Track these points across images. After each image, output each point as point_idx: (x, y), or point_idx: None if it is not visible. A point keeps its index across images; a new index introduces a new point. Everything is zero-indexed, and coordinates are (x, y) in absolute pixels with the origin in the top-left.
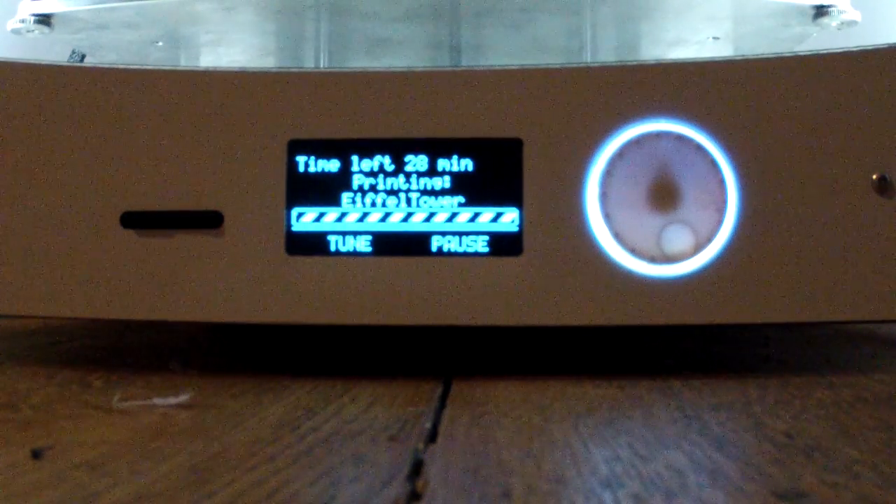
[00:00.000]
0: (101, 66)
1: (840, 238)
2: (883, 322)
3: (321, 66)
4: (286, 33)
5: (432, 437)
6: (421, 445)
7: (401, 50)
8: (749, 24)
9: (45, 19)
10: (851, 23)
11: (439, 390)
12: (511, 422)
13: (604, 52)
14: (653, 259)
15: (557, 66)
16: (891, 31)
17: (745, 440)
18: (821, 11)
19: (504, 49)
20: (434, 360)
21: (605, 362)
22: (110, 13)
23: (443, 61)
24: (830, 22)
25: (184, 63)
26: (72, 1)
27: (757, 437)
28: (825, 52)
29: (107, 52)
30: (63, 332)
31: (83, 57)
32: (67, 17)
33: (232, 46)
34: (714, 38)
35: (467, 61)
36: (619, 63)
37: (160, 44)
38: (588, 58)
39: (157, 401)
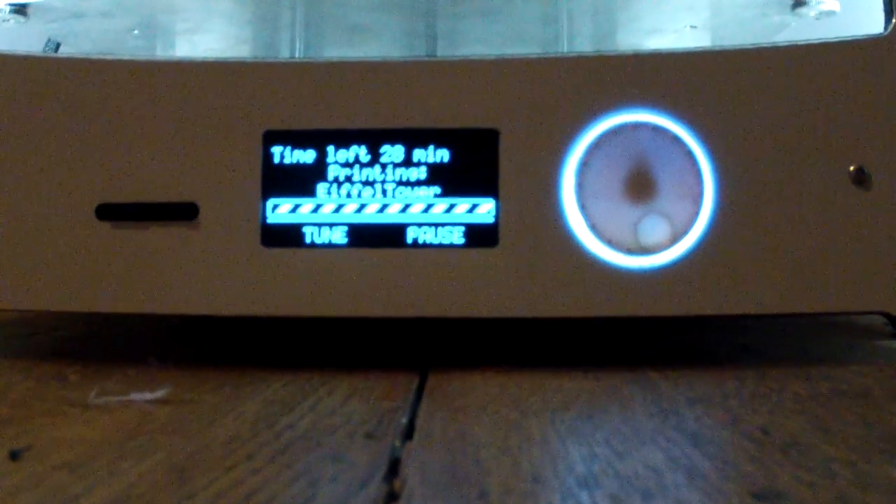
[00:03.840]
0: (74, 56)
1: (817, 229)
2: (860, 314)
3: (297, 54)
4: (262, 22)
5: (409, 434)
6: (398, 443)
7: (377, 38)
8: (727, 14)
9: (20, 9)
10: (830, 13)
11: (416, 382)
12: (488, 417)
13: (580, 40)
14: (629, 250)
15: (534, 56)
16: (869, 20)
17: (722, 436)
18: (799, 1)
19: (480, 37)
20: (411, 351)
21: (581, 353)
22: (86, 2)
23: (419, 50)
24: (809, 12)
25: (160, 51)
26: None
27: (733, 434)
28: (803, 43)
29: (82, 41)
30: (39, 324)
31: (58, 45)
32: (43, 7)
33: (208, 34)
34: (692, 26)
35: (443, 50)
36: (595, 53)
37: (136, 32)
38: (564, 47)
39: (135, 396)
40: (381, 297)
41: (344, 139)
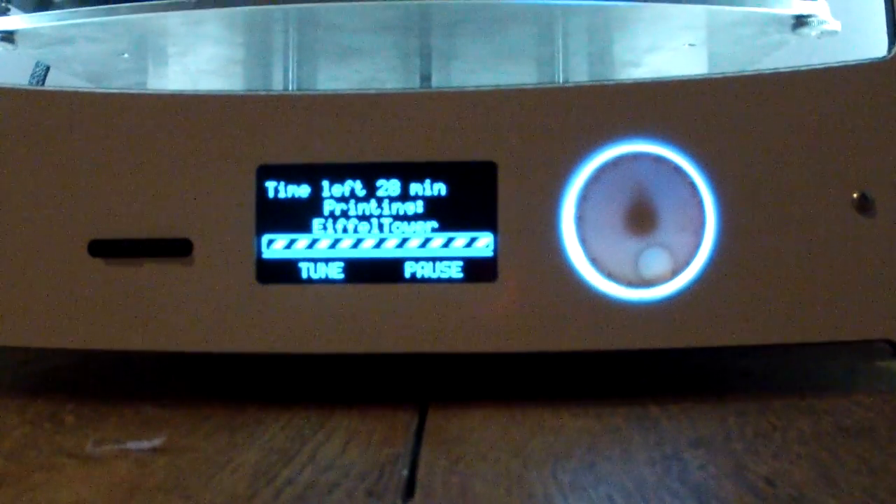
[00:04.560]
0: (66, 89)
1: (820, 257)
2: (864, 342)
3: (290, 75)
4: (254, 44)
5: (410, 490)
6: (399, 502)
7: (370, 58)
8: (725, 33)
9: (7, 36)
10: (832, 33)
11: (415, 422)
12: (489, 467)
13: (577, 59)
14: (630, 283)
15: (531, 86)
16: (870, 39)
17: (726, 489)
18: (800, 21)
19: (475, 56)
20: (409, 384)
21: (580, 381)
22: (74, 29)
23: (412, 69)
24: (810, 32)
25: (151, 73)
26: (34, 18)
27: (738, 485)
28: (805, 68)
29: (73, 64)
30: (31, 351)
31: (47, 69)
32: (30, 33)
33: (199, 56)
34: (690, 45)
35: (437, 70)
36: (594, 83)
37: (126, 56)
38: (560, 65)
39: (132, 445)
40: (379, 333)
41: (339, 173)
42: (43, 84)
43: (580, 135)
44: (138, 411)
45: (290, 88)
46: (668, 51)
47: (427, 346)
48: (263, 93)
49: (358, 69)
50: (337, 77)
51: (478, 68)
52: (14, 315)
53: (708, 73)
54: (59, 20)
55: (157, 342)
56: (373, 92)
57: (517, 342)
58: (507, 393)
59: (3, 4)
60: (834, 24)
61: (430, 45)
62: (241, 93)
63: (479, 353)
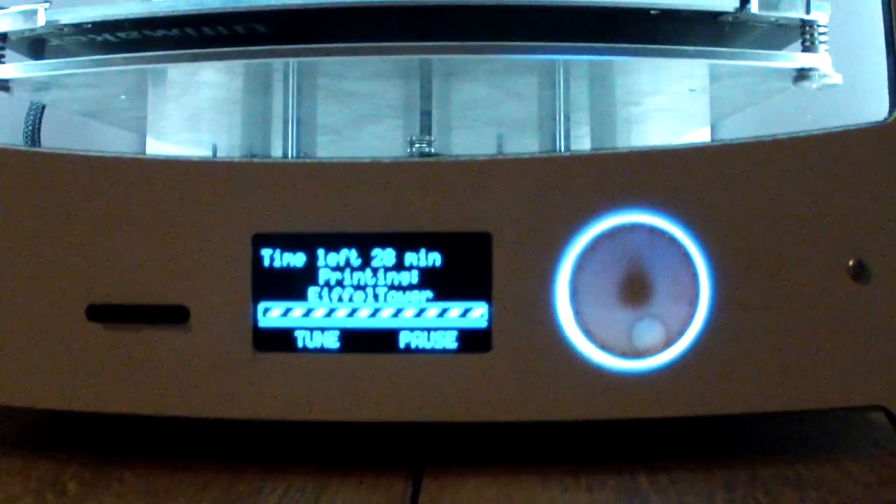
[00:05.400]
0: (64, 152)
1: (815, 325)
2: (858, 409)
3: (290, 114)
4: (252, 88)
5: None
6: None
7: (370, 101)
8: (727, 80)
9: (2, 85)
10: (833, 86)
11: (409, 493)
12: None
13: (577, 100)
14: (623, 354)
15: (527, 156)
16: (870, 89)
17: None
18: (802, 74)
19: (474, 98)
20: (403, 451)
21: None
22: (69, 78)
23: (412, 111)
24: (811, 85)
25: (150, 114)
26: (28, 67)
27: None
28: (802, 133)
29: (69, 104)
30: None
31: (43, 108)
32: (25, 81)
33: (197, 96)
34: (690, 90)
35: (438, 112)
36: (590, 152)
37: (123, 98)
38: (561, 108)
39: None
40: (374, 402)
41: (334, 242)
42: (40, 122)
43: (576, 205)
44: (139, 476)
45: (290, 122)
46: (669, 94)
47: (422, 416)
48: (259, 160)
49: (357, 111)
50: (336, 112)
51: (477, 112)
52: (12, 375)
53: (705, 142)
54: (53, 70)
55: (154, 407)
56: (368, 161)
57: (511, 412)
58: (499, 459)
59: None
60: (835, 78)
61: (431, 91)
62: (237, 160)
63: (474, 423)
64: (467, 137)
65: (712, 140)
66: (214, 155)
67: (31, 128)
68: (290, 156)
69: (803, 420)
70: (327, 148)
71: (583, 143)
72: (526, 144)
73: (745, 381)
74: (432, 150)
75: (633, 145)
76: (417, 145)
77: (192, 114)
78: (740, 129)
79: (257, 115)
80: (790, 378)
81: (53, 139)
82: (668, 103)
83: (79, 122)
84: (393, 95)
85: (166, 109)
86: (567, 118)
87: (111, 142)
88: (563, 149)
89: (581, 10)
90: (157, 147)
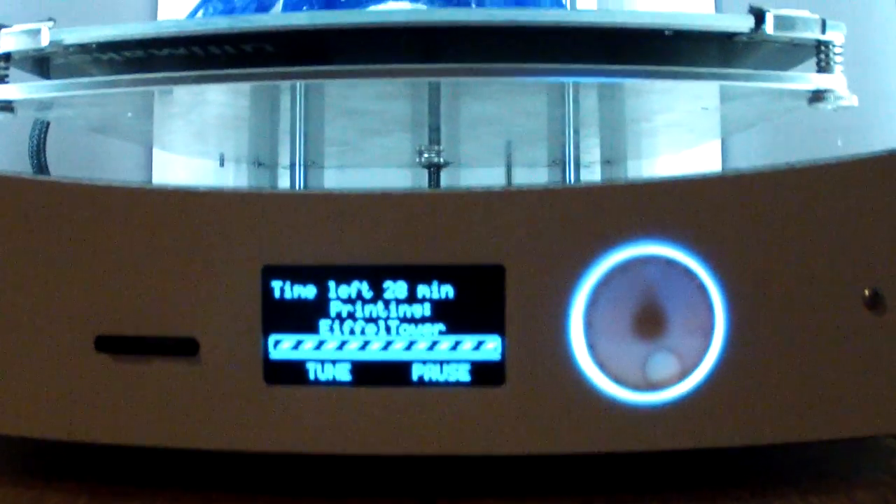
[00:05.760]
0: (72, 181)
1: (831, 356)
2: (875, 437)
3: (298, 128)
4: (261, 105)
5: None
6: None
7: (378, 117)
8: (740, 100)
9: (6, 106)
10: (848, 108)
11: None
12: None
13: (587, 116)
14: (637, 387)
15: (540, 187)
16: (886, 110)
17: None
18: (817, 96)
19: (483, 115)
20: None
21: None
22: (73, 99)
23: (421, 126)
24: (826, 106)
25: (156, 129)
26: (32, 88)
27: None
28: (818, 162)
29: (75, 120)
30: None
31: (47, 125)
32: (29, 101)
33: (205, 113)
34: (703, 108)
35: (446, 127)
36: (604, 184)
37: (130, 115)
38: (570, 126)
39: None
40: (386, 435)
41: (345, 275)
42: (45, 138)
43: (590, 237)
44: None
45: (298, 135)
46: (681, 112)
47: (435, 449)
48: (269, 191)
49: (365, 125)
50: (344, 126)
51: (487, 128)
52: (22, 406)
53: (719, 172)
54: (58, 91)
55: (164, 438)
56: (379, 192)
57: (524, 445)
58: (512, 492)
59: (0, 72)
60: (851, 100)
61: (439, 107)
62: (247, 190)
63: (486, 456)
64: (476, 148)
65: (724, 169)
66: (222, 163)
67: (36, 144)
68: (297, 166)
69: (815, 446)
70: (335, 158)
71: (593, 153)
72: (535, 155)
73: (760, 413)
74: (441, 160)
75: (645, 175)
76: (426, 155)
77: (198, 129)
78: (752, 139)
79: (265, 127)
80: (805, 409)
81: (59, 150)
82: (680, 119)
83: (85, 132)
84: (401, 112)
85: (173, 125)
86: (577, 132)
87: (117, 151)
88: (572, 162)
89: (593, 30)
90: (163, 157)
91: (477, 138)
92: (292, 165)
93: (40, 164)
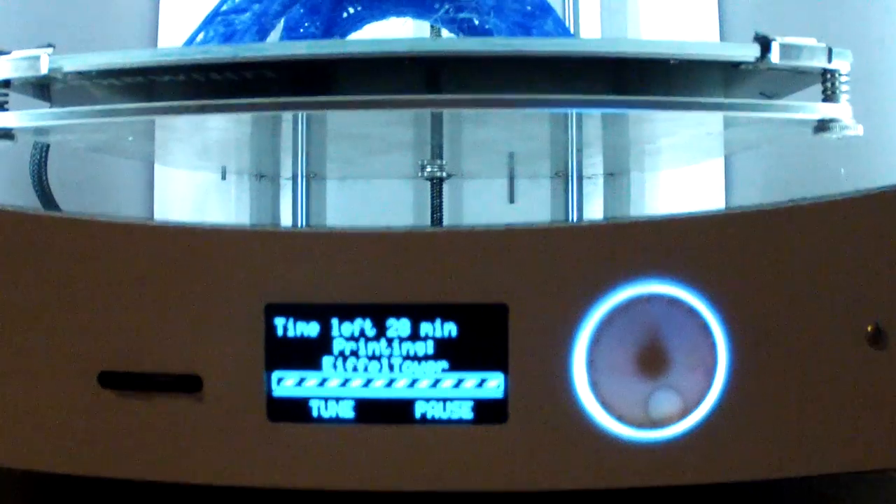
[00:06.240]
0: (75, 217)
1: (832, 392)
2: (876, 472)
3: (300, 144)
4: (263, 129)
5: None
6: None
7: (380, 140)
8: (745, 126)
9: (6, 133)
10: (854, 137)
11: None
12: None
13: (591, 137)
14: (640, 425)
15: (543, 225)
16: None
17: None
18: (822, 126)
19: (485, 139)
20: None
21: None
22: (74, 126)
23: (423, 146)
24: (831, 136)
25: (158, 149)
26: (31, 117)
27: None
28: (821, 199)
29: (76, 144)
30: None
31: (47, 148)
32: (29, 128)
33: (206, 135)
34: (707, 133)
35: (449, 146)
36: (607, 221)
37: (131, 139)
38: (573, 150)
39: None
40: (389, 472)
41: (348, 313)
42: (45, 160)
43: (593, 276)
44: None
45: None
46: (685, 136)
47: (437, 485)
48: (271, 228)
49: (369, 149)
50: (346, 148)
51: (490, 152)
52: (25, 440)
53: (721, 210)
54: (58, 119)
55: (167, 473)
56: (382, 230)
57: (527, 482)
58: None
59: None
60: (856, 129)
61: (441, 132)
62: (250, 228)
63: (490, 493)
64: (479, 162)
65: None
66: (223, 176)
67: (37, 164)
68: (300, 178)
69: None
70: (338, 170)
71: (595, 166)
72: (538, 168)
73: (763, 447)
74: (444, 174)
75: (649, 214)
76: (429, 169)
77: (200, 149)
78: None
79: (267, 142)
80: (807, 443)
81: (60, 163)
82: (684, 141)
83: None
84: (404, 136)
85: (175, 147)
86: (580, 150)
87: (118, 164)
88: (575, 175)
89: (598, 60)
90: (165, 169)
91: (479, 154)
92: (294, 177)
93: (42, 184)
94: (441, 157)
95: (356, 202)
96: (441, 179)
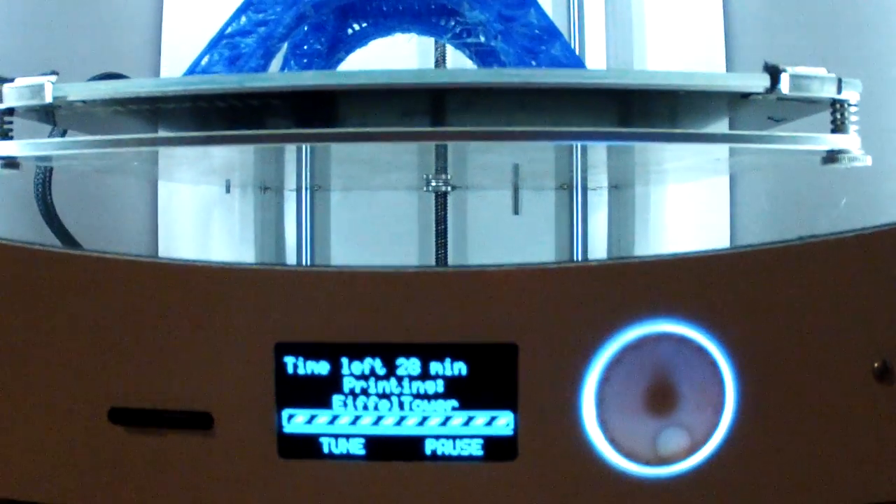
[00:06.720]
0: (88, 254)
1: (840, 428)
2: None
3: (304, 159)
4: (266, 155)
5: None
6: None
7: (384, 164)
8: (753, 154)
9: (11, 162)
10: (862, 168)
11: None
12: None
13: (595, 160)
14: (648, 462)
15: (553, 265)
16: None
17: None
18: (831, 157)
19: (491, 162)
20: None
21: None
22: (78, 157)
23: (427, 166)
24: (840, 166)
25: (161, 171)
26: (35, 146)
27: None
28: (827, 237)
29: (79, 167)
30: None
31: (51, 171)
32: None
33: (211, 162)
34: (716, 159)
35: (454, 169)
36: (616, 261)
37: (136, 164)
38: (578, 172)
39: None
40: None
41: (358, 352)
42: (49, 182)
43: (602, 315)
44: None
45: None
46: (690, 159)
47: None
48: (281, 268)
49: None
50: (350, 169)
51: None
52: (36, 475)
53: (729, 248)
54: (62, 149)
55: None
56: (392, 270)
57: None
58: None
59: (4, 126)
60: (865, 160)
61: (446, 158)
62: (260, 266)
63: None
64: (483, 175)
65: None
66: (228, 189)
67: (41, 185)
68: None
69: None
70: (342, 184)
71: (600, 179)
72: (543, 181)
73: (770, 484)
74: (449, 188)
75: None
76: (434, 183)
77: (204, 170)
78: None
79: (271, 158)
80: (814, 479)
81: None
82: (690, 165)
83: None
84: (409, 159)
85: (178, 171)
86: (585, 170)
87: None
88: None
89: (606, 90)
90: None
91: (484, 169)
92: (298, 189)
93: (47, 205)
94: (445, 172)
95: (360, 213)
96: (446, 193)
